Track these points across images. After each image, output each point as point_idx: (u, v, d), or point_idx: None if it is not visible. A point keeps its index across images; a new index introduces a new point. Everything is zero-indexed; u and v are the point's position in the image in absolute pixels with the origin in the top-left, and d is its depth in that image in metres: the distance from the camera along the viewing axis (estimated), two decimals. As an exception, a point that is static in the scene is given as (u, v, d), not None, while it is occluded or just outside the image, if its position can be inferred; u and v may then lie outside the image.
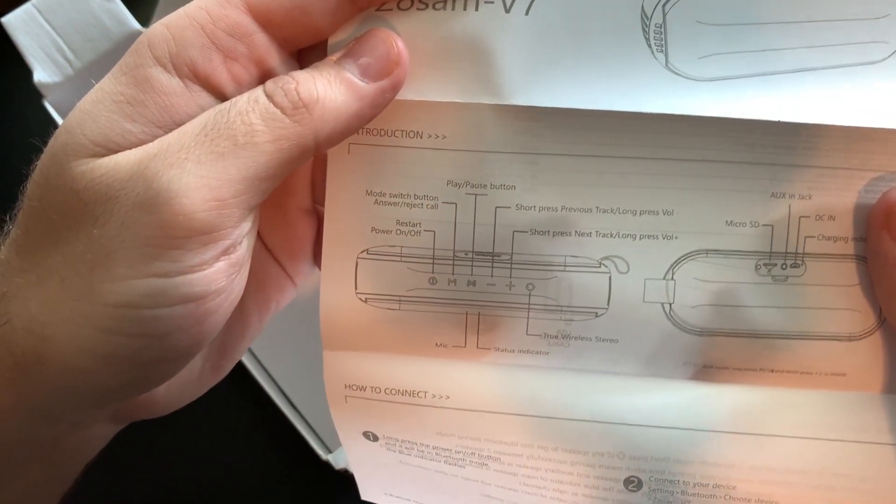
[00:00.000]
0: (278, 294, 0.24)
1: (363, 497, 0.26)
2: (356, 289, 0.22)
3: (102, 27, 0.41)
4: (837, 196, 0.21)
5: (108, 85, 0.18)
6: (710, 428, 0.22)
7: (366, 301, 0.22)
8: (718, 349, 0.22)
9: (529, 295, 0.22)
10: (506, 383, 0.23)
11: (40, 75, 0.40)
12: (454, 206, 0.21)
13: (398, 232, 0.21)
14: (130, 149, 0.18)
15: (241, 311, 0.23)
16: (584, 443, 0.22)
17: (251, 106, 0.18)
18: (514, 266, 0.22)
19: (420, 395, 0.23)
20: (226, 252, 0.18)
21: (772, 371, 0.22)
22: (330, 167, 0.21)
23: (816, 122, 0.20)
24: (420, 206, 0.21)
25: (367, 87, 0.19)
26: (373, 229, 0.21)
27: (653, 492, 0.22)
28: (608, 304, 0.22)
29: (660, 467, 0.22)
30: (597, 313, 0.22)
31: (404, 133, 0.21)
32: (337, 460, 0.39)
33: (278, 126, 0.18)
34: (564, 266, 0.22)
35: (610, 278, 0.22)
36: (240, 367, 0.42)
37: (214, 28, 0.18)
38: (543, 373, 0.23)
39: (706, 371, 0.22)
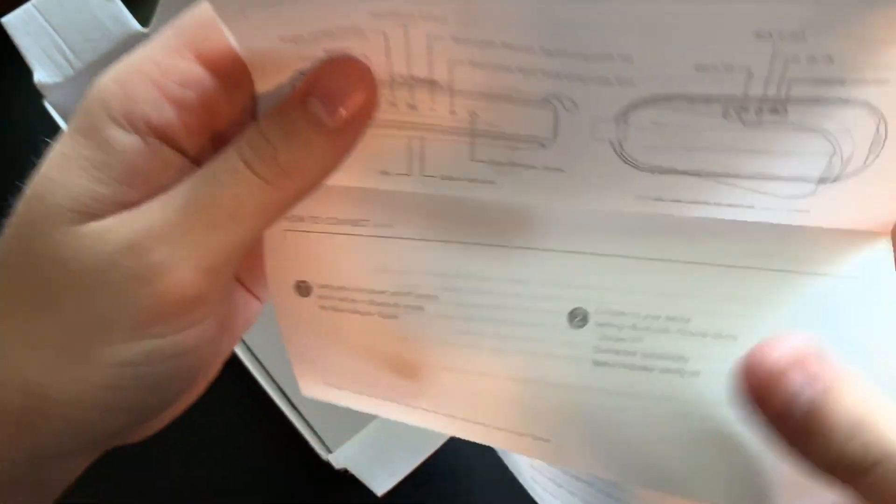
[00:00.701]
0: (246, 313, 0.25)
1: (304, 394, 0.24)
2: None
3: (103, 28, 0.41)
4: (840, 33, 0.17)
5: (69, 149, 0.19)
6: (661, 257, 0.21)
7: None
8: (672, 185, 0.20)
9: (472, 122, 0.20)
10: (451, 211, 0.22)
11: (40, 75, 0.41)
12: (382, 35, 0.19)
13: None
14: (106, 210, 0.18)
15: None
16: (527, 271, 0.21)
17: (233, 178, 0.18)
18: (454, 93, 0.20)
19: (362, 223, 0.22)
20: (216, 308, 0.20)
21: (730, 206, 0.20)
22: None
23: None
24: (344, 38, 0.19)
25: (343, 136, 0.19)
26: (301, 59, 0.20)
27: (600, 327, 0.21)
28: (555, 137, 0.20)
29: (607, 297, 0.21)
30: (543, 143, 0.20)
31: None
32: (337, 459, 0.39)
33: (262, 196, 0.19)
34: (507, 98, 0.20)
35: (556, 113, 0.20)
36: (239, 367, 0.42)
37: (165, 80, 0.19)
38: (490, 203, 0.21)
39: (658, 203, 0.21)
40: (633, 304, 0.21)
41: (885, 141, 0.19)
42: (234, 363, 0.42)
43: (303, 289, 0.23)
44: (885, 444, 0.17)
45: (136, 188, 0.19)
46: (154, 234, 0.18)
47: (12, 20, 0.41)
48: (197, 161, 0.20)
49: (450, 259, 0.22)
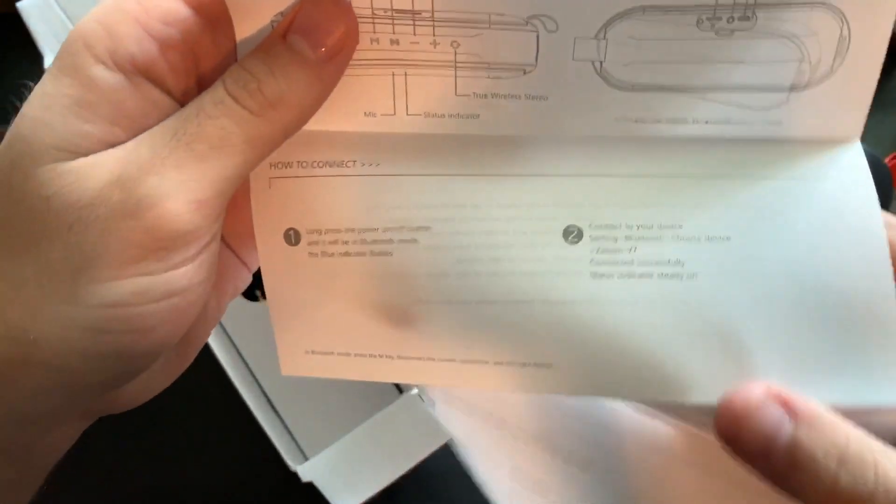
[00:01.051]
0: (235, 278, 0.25)
1: (283, 373, 0.24)
2: None
3: (116, 17, 0.41)
4: None
5: (52, 89, 0.18)
6: (646, 173, 0.21)
7: None
8: (651, 103, 0.21)
9: (455, 52, 0.21)
10: (437, 147, 0.22)
11: (51, 62, 0.41)
12: None
13: None
14: (92, 149, 0.18)
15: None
16: (518, 195, 0.22)
17: (219, 109, 0.19)
18: (436, 23, 0.21)
19: (349, 164, 0.22)
20: (206, 247, 0.19)
21: (706, 122, 0.21)
22: None
23: None
24: None
25: (325, 68, 0.20)
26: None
27: (594, 241, 0.21)
28: (536, 61, 0.21)
29: (598, 212, 0.21)
30: (525, 70, 0.21)
31: None
32: (305, 472, 0.38)
33: (249, 127, 0.19)
34: (489, 24, 0.21)
35: (537, 36, 0.21)
36: (215, 372, 0.41)
37: (148, 18, 0.19)
38: (476, 138, 0.22)
39: (638, 125, 0.22)
40: (624, 217, 0.21)
41: (849, 43, 0.20)
42: (211, 369, 0.41)
43: (291, 236, 0.23)
44: (878, 474, 0.17)
45: (121, 127, 0.18)
46: (142, 166, 0.18)
47: (27, 6, 0.41)
48: (182, 103, 0.19)
49: (440, 190, 0.22)
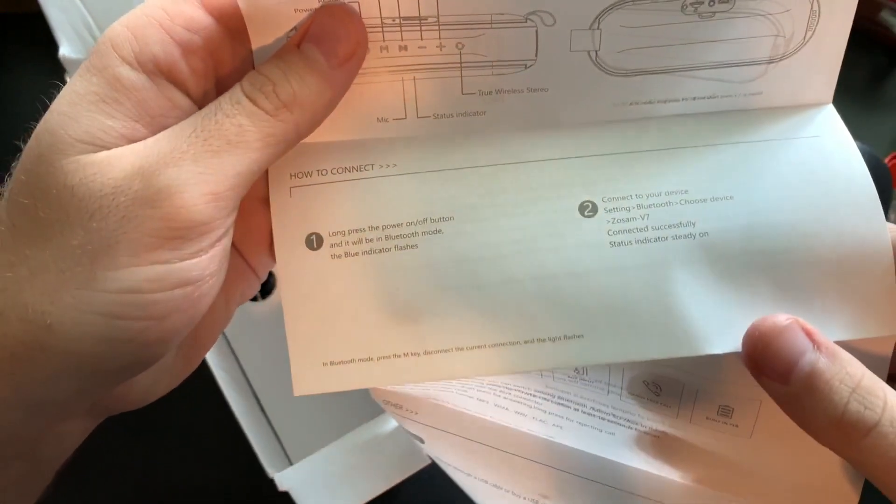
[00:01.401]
0: (243, 284, 0.25)
1: (296, 393, 0.23)
2: None
3: (132, 7, 0.41)
4: None
5: (80, 87, 0.19)
6: (646, 148, 0.23)
7: None
8: (643, 86, 0.23)
9: (460, 53, 0.22)
10: (450, 144, 0.24)
11: (66, 50, 0.41)
12: None
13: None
14: (114, 143, 0.19)
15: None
16: (531, 179, 0.23)
17: (236, 109, 0.20)
18: (441, 27, 0.22)
19: (367, 168, 0.23)
20: (219, 240, 0.20)
21: (694, 99, 0.23)
22: None
23: None
24: None
25: (336, 74, 0.21)
26: (296, 10, 0.21)
27: (609, 212, 0.23)
28: (536, 56, 0.23)
29: (609, 187, 0.23)
30: (526, 65, 0.23)
31: None
32: (282, 481, 0.37)
33: (264, 125, 0.20)
34: (491, 23, 0.22)
35: (536, 31, 0.22)
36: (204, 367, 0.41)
37: (172, 24, 0.20)
38: (485, 133, 0.24)
39: (633, 108, 0.24)
40: (633, 188, 0.23)
41: (819, 16, 0.22)
42: (208, 371, 0.41)
43: (313, 241, 0.23)
44: (887, 406, 0.19)
45: (143, 124, 0.20)
46: (161, 159, 0.19)
47: (46, -5, 0.41)
48: (201, 105, 0.21)
49: (458, 182, 0.23)
